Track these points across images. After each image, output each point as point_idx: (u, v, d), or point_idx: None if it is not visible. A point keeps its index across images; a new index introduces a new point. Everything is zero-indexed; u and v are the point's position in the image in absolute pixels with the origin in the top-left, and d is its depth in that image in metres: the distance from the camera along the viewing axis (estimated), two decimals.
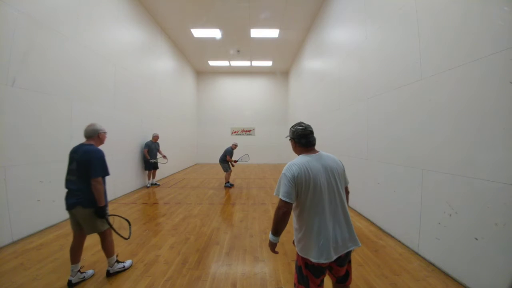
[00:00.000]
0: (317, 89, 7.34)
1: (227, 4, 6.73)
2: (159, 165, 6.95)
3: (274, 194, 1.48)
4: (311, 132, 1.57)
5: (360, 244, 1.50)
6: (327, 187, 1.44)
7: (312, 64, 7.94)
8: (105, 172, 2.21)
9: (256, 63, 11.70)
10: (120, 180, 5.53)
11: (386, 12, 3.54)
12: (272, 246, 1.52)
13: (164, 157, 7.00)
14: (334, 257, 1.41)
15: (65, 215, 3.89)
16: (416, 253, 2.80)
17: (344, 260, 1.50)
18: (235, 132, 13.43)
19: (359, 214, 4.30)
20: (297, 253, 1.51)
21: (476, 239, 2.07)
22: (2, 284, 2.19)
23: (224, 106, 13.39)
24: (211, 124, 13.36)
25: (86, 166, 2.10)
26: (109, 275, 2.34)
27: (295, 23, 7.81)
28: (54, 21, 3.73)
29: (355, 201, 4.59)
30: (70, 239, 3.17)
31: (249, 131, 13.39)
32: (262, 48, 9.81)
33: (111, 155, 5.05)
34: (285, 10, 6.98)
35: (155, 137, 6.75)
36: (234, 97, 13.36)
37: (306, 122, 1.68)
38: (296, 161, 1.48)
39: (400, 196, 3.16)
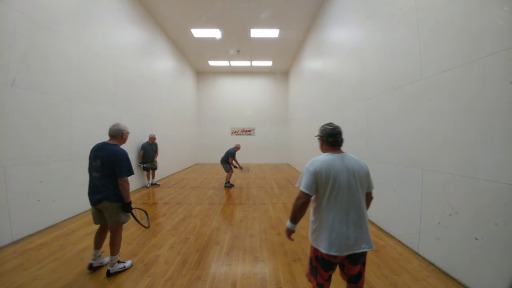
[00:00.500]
0: (317, 89, 7.34)
1: (227, 4, 6.73)
2: (157, 165, 6.84)
3: (296, 185, 1.61)
4: (340, 133, 1.65)
5: (374, 247, 1.51)
6: (346, 186, 1.48)
7: (312, 64, 7.94)
8: (130, 171, 2.34)
9: (256, 63, 11.70)
10: None
11: (386, 12, 3.54)
12: (289, 232, 1.64)
13: (155, 162, 6.73)
14: (346, 253, 1.44)
15: (65, 215, 3.92)
16: (416, 253, 2.80)
17: (357, 260, 1.51)
18: (235, 132, 13.42)
19: None
20: (311, 245, 1.58)
21: (476, 239, 2.07)
22: (2, 284, 2.19)
23: (224, 106, 13.39)
24: (211, 124, 13.36)
25: (112, 166, 2.25)
26: (109, 275, 2.34)
27: (295, 23, 7.81)
28: (54, 21, 3.73)
29: None
30: (70, 239, 3.19)
31: (249, 131, 13.39)
32: (262, 48, 9.81)
33: None
34: (285, 10, 6.98)
35: (152, 138, 6.48)
36: (234, 97, 13.36)
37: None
38: (319, 157, 1.57)
39: (400, 196, 3.16)
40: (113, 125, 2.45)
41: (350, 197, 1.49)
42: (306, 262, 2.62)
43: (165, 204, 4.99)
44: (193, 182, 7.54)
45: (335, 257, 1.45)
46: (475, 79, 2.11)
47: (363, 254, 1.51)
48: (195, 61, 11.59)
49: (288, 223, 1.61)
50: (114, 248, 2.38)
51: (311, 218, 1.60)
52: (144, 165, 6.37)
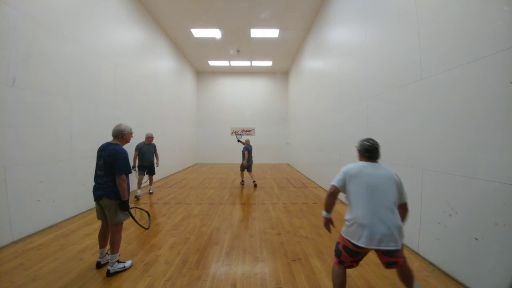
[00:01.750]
0: (317, 89, 7.34)
1: (227, 4, 6.73)
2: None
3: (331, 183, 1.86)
4: (376, 149, 1.88)
5: (400, 247, 1.63)
6: (375, 189, 1.69)
7: (312, 64, 7.94)
8: (128, 170, 2.43)
9: (256, 63, 11.70)
10: None
11: (386, 12, 3.54)
12: (326, 221, 1.92)
13: (157, 164, 5.94)
14: (372, 248, 1.61)
15: (65, 215, 3.92)
16: (416, 253, 2.81)
17: (388, 255, 1.65)
18: (235, 132, 13.42)
19: None
20: (340, 234, 1.82)
21: (476, 239, 2.07)
22: (2, 284, 2.19)
23: (224, 106, 13.39)
24: (211, 124, 13.36)
25: (111, 164, 2.36)
26: (109, 274, 2.34)
27: (295, 23, 7.81)
28: (54, 21, 3.73)
29: None
30: (70, 239, 3.19)
31: (249, 131, 13.39)
32: (262, 48, 9.81)
33: None
34: (285, 10, 6.98)
35: (149, 138, 5.60)
36: (234, 97, 13.36)
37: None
38: (354, 163, 1.88)
39: None
40: (116, 126, 2.59)
41: (379, 199, 1.66)
42: (306, 262, 2.63)
43: (165, 204, 4.99)
44: (193, 182, 7.54)
45: (361, 248, 1.63)
46: (475, 79, 2.11)
47: (393, 252, 1.63)
48: (195, 61, 11.59)
49: (323, 213, 1.92)
50: (114, 247, 2.40)
51: (346, 215, 1.79)
52: (139, 170, 5.40)
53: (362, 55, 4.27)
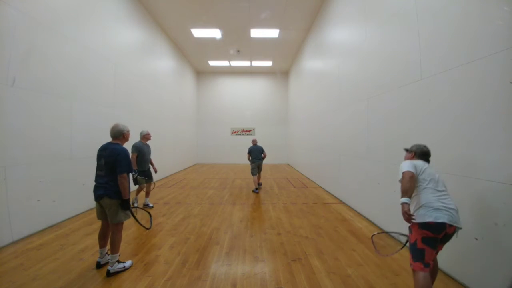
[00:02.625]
0: (317, 89, 7.34)
1: (227, 4, 6.73)
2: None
3: (400, 174, 1.87)
4: (430, 154, 2.06)
5: (461, 226, 1.72)
6: (436, 178, 1.83)
7: (312, 64, 7.94)
8: (129, 169, 2.43)
9: (256, 63, 11.70)
10: None
11: (386, 12, 3.54)
12: (405, 206, 1.71)
13: (155, 170, 4.82)
14: (449, 224, 1.64)
15: (65, 215, 3.92)
16: None
17: (448, 239, 1.76)
18: (235, 132, 13.43)
19: (359, 214, 4.29)
20: (411, 233, 1.78)
21: (476, 239, 2.07)
22: (2, 284, 2.19)
23: (224, 106, 13.40)
24: (211, 124, 13.36)
25: (112, 163, 2.36)
26: (109, 274, 2.34)
27: (295, 23, 7.81)
28: (54, 21, 3.73)
29: (355, 201, 4.59)
30: (70, 239, 3.19)
31: (249, 131, 13.40)
32: (262, 48, 9.81)
33: None
34: (285, 10, 6.98)
35: (146, 136, 4.55)
36: (234, 97, 13.36)
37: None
38: (416, 161, 1.98)
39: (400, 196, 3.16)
40: (113, 127, 2.55)
41: (441, 185, 1.81)
42: (306, 262, 2.62)
43: (165, 204, 4.99)
44: (193, 182, 7.54)
45: (440, 229, 1.64)
46: (475, 79, 2.11)
47: (454, 232, 1.73)
48: (195, 61, 11.59)
49: (402, 199, 1.73)
50: (114, 246, 2.40)
51: (413, 206, 1.82)
52: (138, 176, 4.20)
53: (362, 55, 4.27)
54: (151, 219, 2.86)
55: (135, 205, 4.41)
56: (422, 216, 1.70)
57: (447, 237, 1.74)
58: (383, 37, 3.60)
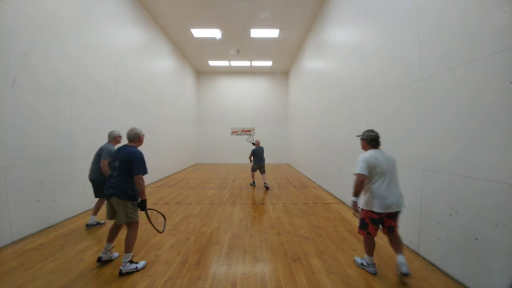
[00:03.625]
0: (317, 89, 7.34)
1: (227, 4, 6.73)
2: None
3: (353, 173, 2.33)
4: (379, 137, 2.44)
5: (405, 206, 2.33)
6: (385, 169, 2.28)
7: (312, 64, 7.94)
8: (145, 170, 2.50)
9: (256, 63, 11.70)
10: None
11: (386, 12, 3.54)
12: (354, 204, 2.36)
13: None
14: (387, 211, 2.23)
15: (65, 215, 3.92)
16: (416, 253, 2.81)
17: (393, 216, 2.32)
18: (235, 132, 13.43)
19: None
20: (362, 210, 2.37)
21: (476, 239, 2.07)
22: (2, 284, 2.19)
23: (224, 106, 13.39)
24: (211, 124, 13.37)
25: (128, 165, 2.45)
26: (121, 274, 2.34)
27: (295, 23, 7.81)
28: (54, 21, 3.73)
29: None
30: (70, 239, 3.19)
31: (249, 131, 13.39)
32: (262, 48, 9.81)
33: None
34: (285, 10, 6.98)
35: (117, 139, 3.73)
36: (234, 97, 13.36)
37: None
38: (367, 153, 2.38)
39: None
40: (130, 130, 2.64)
41: (389, 177, 2.28)
42: (306, 262, 2.63)
43: (165, 204, 4.99)
44: (193, 182, 7.53)
45: (380, 213, 2.25)
46: (475, 79, 2.11)
47: (398, 213, 2.31)
48: (195, 61, 11.59)
49: (352, 198, 2.33)
50: (128, 245, 2.44)
51: (365, 193, 2.35)
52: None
53: (362, 55, 4.27)
54: (165, 222, 2.88)
55: (99, 223, 3.70)
56: (369, 204, 2.30)
57: (392, 215, 2.29)
58: (383, 37, 3.60)
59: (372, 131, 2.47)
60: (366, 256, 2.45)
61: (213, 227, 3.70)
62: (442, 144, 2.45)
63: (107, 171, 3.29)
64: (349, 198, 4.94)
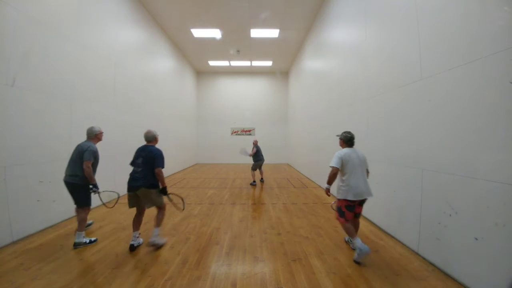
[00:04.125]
0: (317, 89, 7.34)
1: (227, 4, 6.73)
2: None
3: (329, 165, 2.81)
4: (354, 138, 2.97)
5: (372, 195, 2.80)
6: (358, 165, 2.76)
7: (312, 64, 7.94)
8: (164, 164, 3.02)
9: (256, 63, 11.70)
10: (120, 180, 5.51)
11: (386, 12, 3.54)
12: (327, 191, 2.94)
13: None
14: (359, 199, 2.72)
15: (65, 215, 3.92)
16: (416, 253, 2.81)
17: (362, 204, 2.83)
18: (235, 132, 13.43)
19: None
20: (338, 200, 2.85)
21: (476, 239, 2.07)
22: (2, 284, 2.19)
23: (224, 106, 13.39)
24: (211, 124, 13.36)
25: (151, 161, 2.96)
26: (152, 245, 2.90)
27: (295, 23, 7.81)
28: (54, 21, 3.73)
29: None
30: (70, 239, 3.18)
31: (249, 131, 13.40)
32: (262, 48, 9.81)
33: (112, 155, 5.06)
34: (285, 10, 6.98)
35: (98, 136, 3.35)
36: (234, 97, 13.36)
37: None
38: (343, 150, 2.89)
39: (400, 196, 3.16)
40: (147, 132, 3.20)
41: (360, 170, 2.76)
42: (306, 262, 2.64)
43: (165, 204, 4.98)
44: (193, 182, 7.53)
45: (354, 201, 2.72)
46: (475, 79, 2.11)
47: (365, 200, 2.80)
48: (195, 61, 11.59)
49: (327, 185, 2.88)
50: (159, 221, 3.00)
51: (340, 183, 2.82)
52: (97, 191, 3.10)
53: (362, 55, 4.27)
54: (184, 202, 3.39)
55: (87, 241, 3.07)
56: (344, 193, 2.74)
57: (361, 203, 2.80)
58: (383, 37, 3.60)
59: (349, 132, 2.97)
60: (349, 239, 3.00)
61: (213, 227, 3.70)
62: (442, 144, 2.45)
63: (90, 174, 3.00)
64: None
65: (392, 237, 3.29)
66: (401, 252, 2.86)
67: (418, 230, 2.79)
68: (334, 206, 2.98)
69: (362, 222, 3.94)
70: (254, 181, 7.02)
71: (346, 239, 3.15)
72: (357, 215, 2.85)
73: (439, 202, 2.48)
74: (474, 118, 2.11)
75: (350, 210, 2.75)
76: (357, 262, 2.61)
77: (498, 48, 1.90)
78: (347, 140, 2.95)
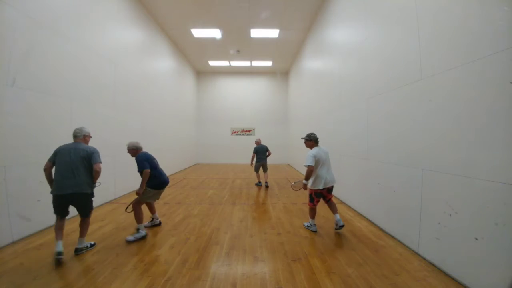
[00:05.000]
0: (317, 89, 7.34)
1: (227, 4, 6.73)
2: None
3: (304, 165, 3.36)
4: (318, 138, 3.61)
5: (336, 182, 3.52)
6: (325, 159, 3.41)
7: (312, 64, 7.94)
8: (146, 166, 3.31)
9: (256, 63, 11.70)
10: (120, 180, 5.53)
11: (386, 12, 3.54)
12: (305, 186, 3.45)
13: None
14: (327, 187, 3.38)
15: None
16: (416, 253, 2.80)
17: (331, 191, 3.48)
18: (235, 132, 13.43)
19: (359, 214, 4.29)
20: (309, 189, 3.47)
21: (476, 239, 2.07)
22: (2, 284, 2.19)
23: (224, 106, 13.39)
24: (211, 124, 13.36)
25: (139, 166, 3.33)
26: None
27: (295, 23, 7.81)
28: (54, 21, 3.73)
29: (355, 201, 4.60)
30: (70, 239, 3.18)
31: (249, 131, 13.39)
32: (262, 48, 9.81)
33: (112, 156, 5.06)
34: (285, 10, 6.98)
35: (87, 138, 3.01)
36: (234, 97, 13.36)
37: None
38: (314, 149, 3.44)
39: (400, 196, 3.16)
40: (132, 143, 3.51)
41: (327, 164, 3.44)
42: (305, 262, 2.64)
43: (165, 204, 4.99)
44: (193, 182, 7.53)
45: (322, 189, 3.35)
46: (475, 79, 2.10)
47: (332, 187, 3.47)
48: (195, 61, 11.59)
49: (304, 181, 3.41)
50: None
51: (313, 176, 3.38)
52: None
53: (362, 54, 4.27)
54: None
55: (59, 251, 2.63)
56: (315, 184, 3.36)
57: (330, 190, 3.44)
58: (383, 37, 3.60)
59: (314, 133, 3.60)
60: (310, 220, 3.56)
61: (213, 227, 3.70)
62: (442, 144, 2.45)
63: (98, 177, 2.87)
64: (349, 198, 4.94)
65: (392, 237, 3.29)
66: (401, 252, 2.86)
67: (418, 230, 2.79)
68: (296, 187, 3.73)
69: (362, 222, 3.93)
70: (259, 182, 6.90)
71: (306, 225, 3.63)
72: (329, 200, 3.48)
73: (439, 202, 2.48)
74: (474, 118, 2.11)
75: (318, 197, 3.40)
76: (336, 229, 3.44)
77: (498, 48, 1.89)
78: (316, 140, 3.54)
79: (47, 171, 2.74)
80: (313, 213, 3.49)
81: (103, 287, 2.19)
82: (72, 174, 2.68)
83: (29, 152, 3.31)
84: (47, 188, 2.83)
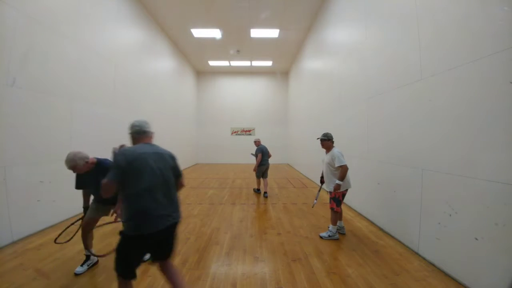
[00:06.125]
0: (317, 89, 7.34)
1: (227, 4, 6.73)
2: None
3: (338, 165, 3.10)
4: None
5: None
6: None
7: (312, 64, 7.94)
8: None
9: (256, 63, 11.70)
10: None
11: (386, 12, 3.54)
12: (338, 186, 3.09)
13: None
14: (349, 188, 3.31)
15: (65, 215, 3.91)
16: (416, 253, 2.80)
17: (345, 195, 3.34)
18: (235, 132, 13.43)
19: (359, 214, 4.29)
20: (335, 194, 3.17)
21: (476, 239, 2.07)
22: (2, 284, 2.19)
23: (224, 106, 13.39)
24: (211, 124, 13.36)
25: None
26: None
27: (295, 23, 7.81)
28: (54, 21, 3.72)
29: (355, 201, 4.59)
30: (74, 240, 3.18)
31: (249, 131, 13.39)
32: (262, 48, 9.81)
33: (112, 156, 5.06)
34: (285, 10, 6.98)
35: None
36: (234, 97, 13.36)
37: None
38: (338, 148, 3.31)
39: (400, 196, 3.16)
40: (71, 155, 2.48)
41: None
42: (305, 262, 2.64)
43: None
44: (193, 182, 7.53)
45: (346, 190, 3.26)
46: (475, 79, 2.10)
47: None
48: (195, 61, 11.59)
49: (338, 182, 3.07)
50: None
51: (334, 179, 3.16)
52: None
53: (362, 55, 4.27)
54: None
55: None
56: (344, 185, 3.15)
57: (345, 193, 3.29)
58: (384, 37, 3.60)
59: (330, 133, 3.46)
60: (331, 227, 3.23)
61: (213, 227, 3.70)
62: (442, 144, 2.45)
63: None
64: (349, 198, 4.93)
65: (392, 237, 3.28)
66: (401, 252, 2.86)
67: (418, 230, 2.79)
68: (317, 200, 3.65)
69: (362, 222, 3.93)
70: (259, 189, 5.98)
71: (326, 236, 3.23)
72: (342, 198, 3.36)
73: (439, 202, 2.48)
74: (474, 118, 2.11)
75: (343, 199, 3.25)
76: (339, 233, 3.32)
77: (498, 48, 1.89)
78: (333, 140, 3.40)
79: (108, 194, 1.56)
80: (336, 217, 3.24)
81: (103, 287, 2.19)
82: (169, 197, 1.73)
83: (29, 152, 3.30)
84: (47, 188, 2.76)
